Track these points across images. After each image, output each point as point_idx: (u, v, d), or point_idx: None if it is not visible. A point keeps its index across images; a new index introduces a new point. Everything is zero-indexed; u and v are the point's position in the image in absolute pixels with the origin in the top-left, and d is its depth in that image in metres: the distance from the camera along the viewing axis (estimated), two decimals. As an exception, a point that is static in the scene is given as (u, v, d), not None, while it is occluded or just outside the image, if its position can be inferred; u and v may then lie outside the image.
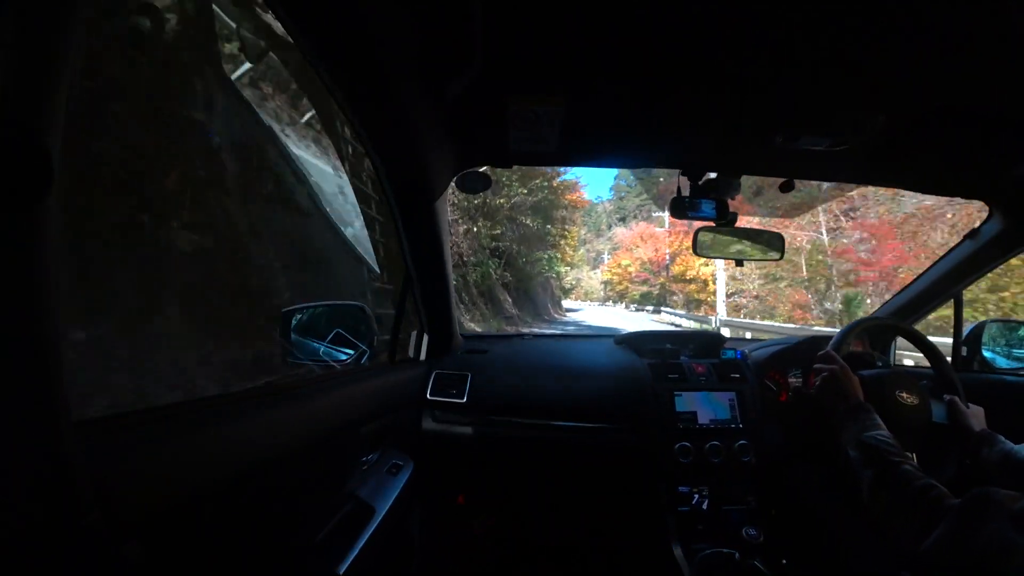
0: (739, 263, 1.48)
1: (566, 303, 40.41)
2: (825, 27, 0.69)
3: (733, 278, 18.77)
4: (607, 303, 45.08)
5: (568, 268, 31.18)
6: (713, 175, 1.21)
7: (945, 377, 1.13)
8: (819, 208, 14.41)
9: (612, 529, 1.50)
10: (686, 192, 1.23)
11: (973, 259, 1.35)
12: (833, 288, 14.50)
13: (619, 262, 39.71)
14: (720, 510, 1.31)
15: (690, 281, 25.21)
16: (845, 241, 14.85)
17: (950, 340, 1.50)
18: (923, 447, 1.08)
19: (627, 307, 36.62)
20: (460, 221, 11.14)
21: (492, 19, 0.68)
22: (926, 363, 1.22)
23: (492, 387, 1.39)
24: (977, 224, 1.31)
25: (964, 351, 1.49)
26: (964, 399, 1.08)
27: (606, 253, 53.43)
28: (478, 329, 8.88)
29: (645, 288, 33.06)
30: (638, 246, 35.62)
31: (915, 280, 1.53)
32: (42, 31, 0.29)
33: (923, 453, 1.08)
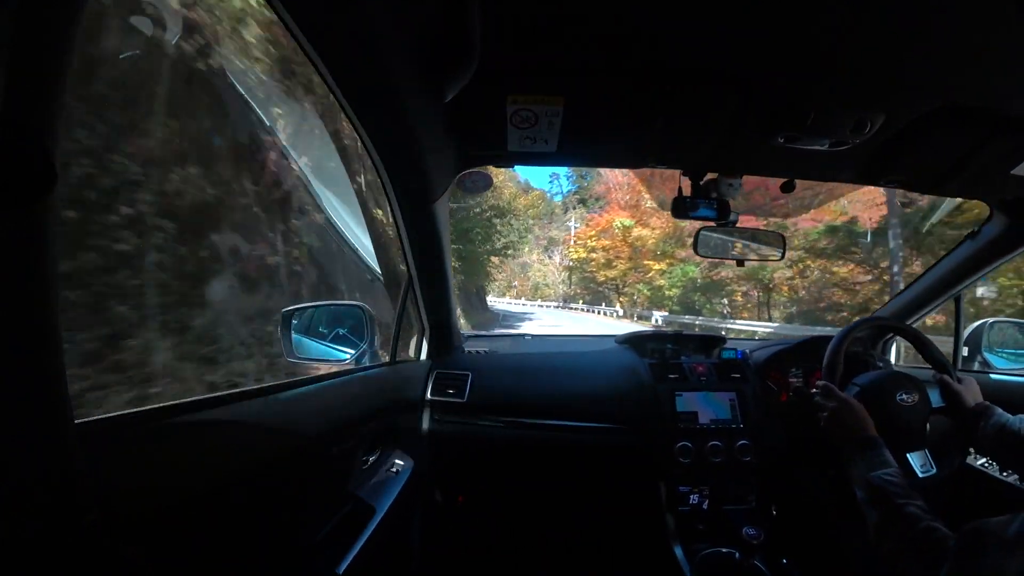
0: (740, 263, 1.48)
1: (500, 303, 26.57)
2: (825, 27, 0.69)
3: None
4: (571, 305, 26.99)
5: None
6: (714, 175, 1.21)
7: (933, 358, 1.15)
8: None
9: (612, 529, 1.50)
10: (687, 192, 1.23)
11: (973, 259, 1.35)
12: None
13: (604, 225, 22.60)
14: (720, 510, 1.31)
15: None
16: None
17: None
18: (929, 443, 1.08)
19: (631, 314, 18.96)
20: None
21: (491, 19, 0.68)
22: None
23: (492, 387, 1.39)
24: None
25: (965, 351, 1.49)
26: (954, 376, 1.10)
27: (573, 221, 36.12)
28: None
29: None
30: (643, 194, 18.78)
31: (915, 280, 1.53)
32: (42, 31, 0.29)
33: (931, 448, 1.09)
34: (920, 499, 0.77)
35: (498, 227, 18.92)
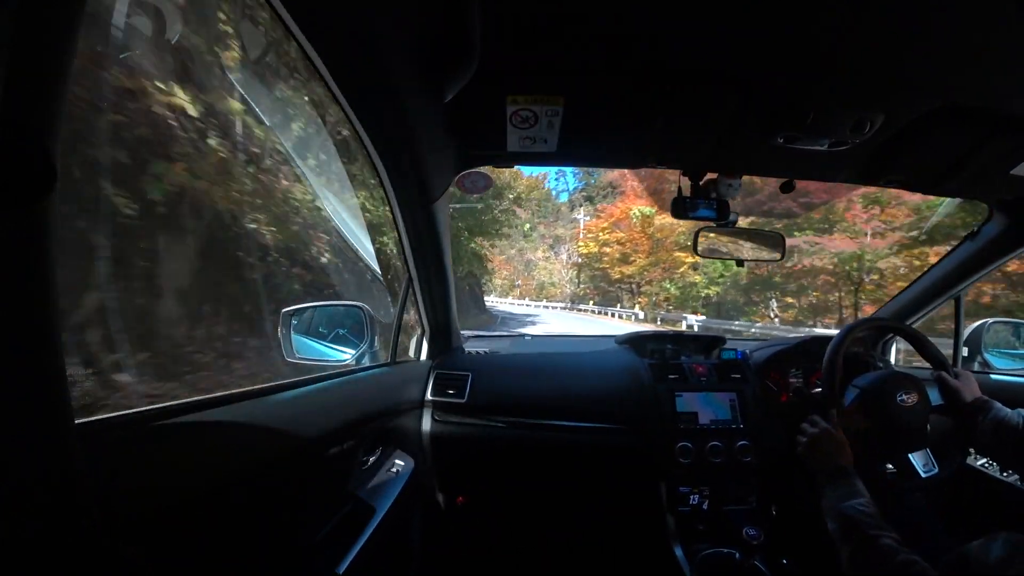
0: (739, 263, 1.48)
1: (502, 304, 24.34)
2: (825, 27, 0.69)
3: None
4: (580, 306, 23.97)
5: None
6: (713, 175, 1.21)
7: (931, 355, 1.16)
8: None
9: (612, 529, 1.49)
10: (686, 192, 1.24)
11: (973, 259, 1.35)
12: None
13: (619, 215, 19.37)
14: (720, 510, 1.30)
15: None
16: None
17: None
18: (930, 442, 1.09)
19: (654, 317, 15.89)
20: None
21: (491, 19, 0.68)
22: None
23: (492, 387, 1.39)
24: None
25: (965, 352, 1.49)
26: (951, 372, 1.10)
27: (583, 214, 32.08)
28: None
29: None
30: (667, 177, 12.73)
31: (915, 281, 1.53)
32: (42, 31, 0.29)
33: (933, 447, 1.10)
34: (893, 530, 0.74)
35: (495, 211, 16.35)
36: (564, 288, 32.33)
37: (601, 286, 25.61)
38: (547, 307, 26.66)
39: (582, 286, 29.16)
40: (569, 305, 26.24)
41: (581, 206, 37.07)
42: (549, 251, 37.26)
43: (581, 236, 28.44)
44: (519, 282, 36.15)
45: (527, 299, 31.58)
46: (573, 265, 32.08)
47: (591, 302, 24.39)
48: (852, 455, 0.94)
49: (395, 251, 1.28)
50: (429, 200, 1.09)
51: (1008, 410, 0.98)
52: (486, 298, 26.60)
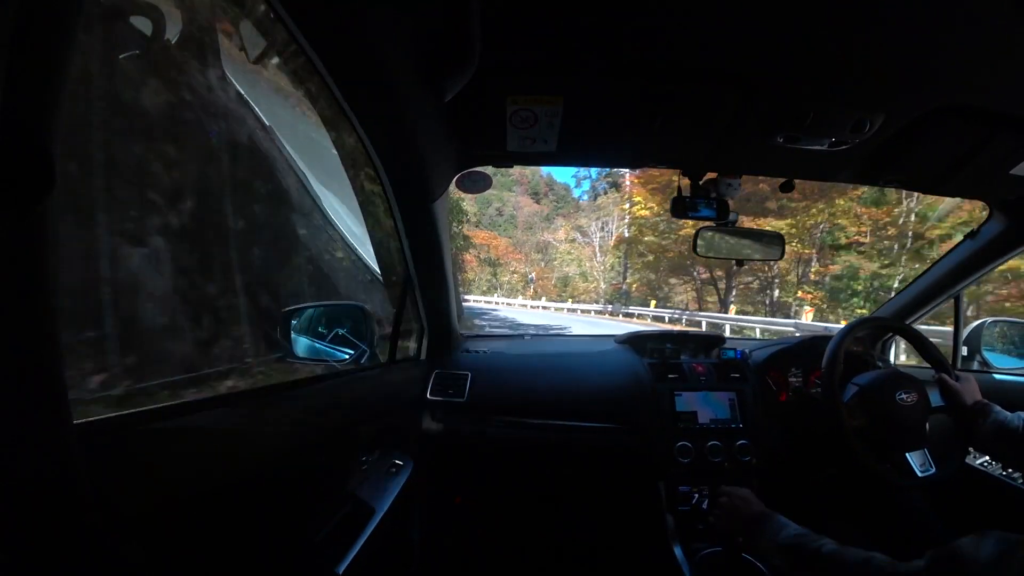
0: (739, 263, 1.48)
1: (507, 309, 18.05)
2: (826, 27, 0.69)
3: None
4: (627, 309, 16.07)
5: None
6: (713, 175, 1.22)
7: (932, 357, 1.16)
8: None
9: (612, 529, 1.50)
10: (686, 192, 1.24)
11: (973, 259, 1.35)
12: None
13: None
14: None
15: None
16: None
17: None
18: (930, 443, 1.09)
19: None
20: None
21: (491, 18, 0.68)
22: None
23: (492, 387, 1.39)
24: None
25: (964, 351, 1.50)
26: (952, 374, 1.11)
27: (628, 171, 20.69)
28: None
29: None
30: None
31: (915, 280, 1.53)
32: (42, 32, 0.29)
33: (932, 448, 1.10)
34: (831, 540, 0.72)
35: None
36: (600, 283, 22.26)
37: (654, 277, 16.50)
38: (574, 309, 18.24)
39: (629, 277, 19.04)
40: (610, 308, 17.31)
41: (605, 193, 29.97)
42: (574, 231, 27.92)
43: (629, 189, 17.60)
44: (533, 275, 26.89)
45: (544, 298, 22.30)
46: (618, 241, 20.34)
47: (653, 303, 16.34)
48: (760, 502, 0.91)
49: (395, 250, 1.27)
50: (429, 200, 1.09)
51: (1008, 413, 0.98)
52: (486, 299, 22.98)
